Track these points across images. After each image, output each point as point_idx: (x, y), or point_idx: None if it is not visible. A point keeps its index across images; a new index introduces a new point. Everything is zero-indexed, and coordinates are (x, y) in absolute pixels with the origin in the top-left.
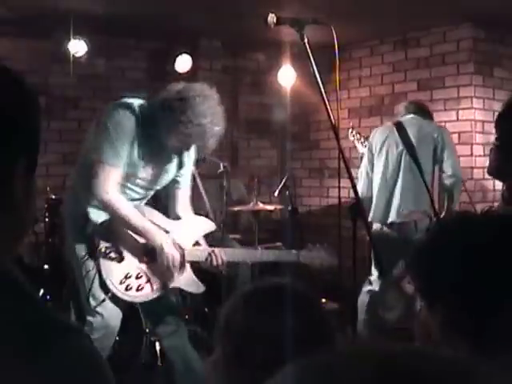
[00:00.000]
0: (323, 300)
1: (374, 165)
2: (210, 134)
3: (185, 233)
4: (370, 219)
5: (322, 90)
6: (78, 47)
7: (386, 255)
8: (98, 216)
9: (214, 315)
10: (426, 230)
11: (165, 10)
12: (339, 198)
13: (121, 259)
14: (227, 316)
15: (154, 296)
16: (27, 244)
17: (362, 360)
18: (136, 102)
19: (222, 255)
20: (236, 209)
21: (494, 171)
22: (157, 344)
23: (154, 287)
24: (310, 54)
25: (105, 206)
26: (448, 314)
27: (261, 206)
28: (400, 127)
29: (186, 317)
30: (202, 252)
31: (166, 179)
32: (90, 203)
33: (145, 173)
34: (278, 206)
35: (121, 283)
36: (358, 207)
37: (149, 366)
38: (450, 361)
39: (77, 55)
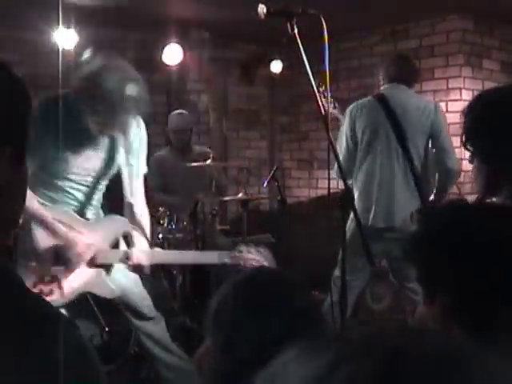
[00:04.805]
0: (313, 291)
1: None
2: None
3: (99, 234)
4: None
5: (312, 80)
6: (65, 38)
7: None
8: None
9: (203, 306)
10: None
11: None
12: (329, 188)
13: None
14: (217, 306)
15: (66, 301)
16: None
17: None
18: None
19: (138, 257)
20: (225, 199)
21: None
22: None
23: (66, 292)
24: (300, 45)
25: None
26: (447, 304)
27: (250, 196)
28: (384, 102)
29: (174, 307)
30: (115, 254)
31: (106, 170)
32: None
33: (77, 166)
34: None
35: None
36: (348, 196)
37: (138, 357)
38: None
39: (65, 46)
